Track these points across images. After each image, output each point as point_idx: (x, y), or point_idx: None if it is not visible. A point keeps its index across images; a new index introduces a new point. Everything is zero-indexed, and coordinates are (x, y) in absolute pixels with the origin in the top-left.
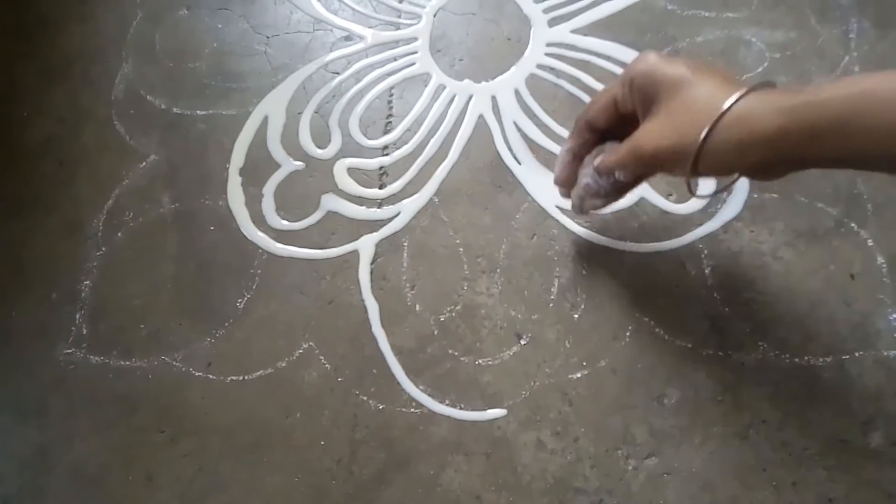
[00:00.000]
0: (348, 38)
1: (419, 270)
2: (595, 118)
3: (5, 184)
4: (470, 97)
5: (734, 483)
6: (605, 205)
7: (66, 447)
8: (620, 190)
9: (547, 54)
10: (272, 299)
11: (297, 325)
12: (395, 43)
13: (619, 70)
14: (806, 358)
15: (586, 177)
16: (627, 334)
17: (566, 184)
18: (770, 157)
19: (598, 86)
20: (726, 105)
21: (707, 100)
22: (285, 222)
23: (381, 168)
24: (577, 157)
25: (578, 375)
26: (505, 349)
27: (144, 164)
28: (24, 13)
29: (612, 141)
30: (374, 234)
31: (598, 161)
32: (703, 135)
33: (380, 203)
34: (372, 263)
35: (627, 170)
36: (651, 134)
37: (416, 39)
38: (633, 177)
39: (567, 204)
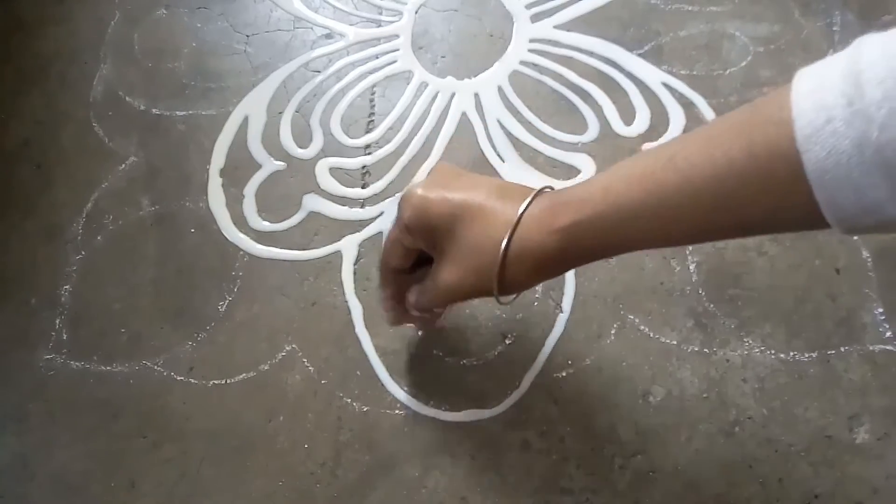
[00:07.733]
0: (329, 35)
1: None
2: (395, 265)
3: None
4: (453, 95)
5: (720, 480)
6: (444, 316)
7: (47, 454)
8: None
9: (530, 51)
10: (254, 302)
11: (279, 327)
12: (377, 40)
13: (602, 66)
14: (791, 353)
15: (415, 312)
16: (612, 332)
17: (400, 322)
18: (565, 267)
19: (582, 82)
20: (503, 246)
21: (485, 243)
22: (267, 223)
23: (363, 167)
24: (398, 299)
25: (563, 374)
26: (490, 349)
27: (124, 166)
28: None
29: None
30: (357, 234)
31: (413, 301)
32: (495, 276)
33: (362, 203)
34: (355, 264)
35: (441, 304)
36: (450, 276)
37: (397, 37)
38: (451, 304)
39: None
